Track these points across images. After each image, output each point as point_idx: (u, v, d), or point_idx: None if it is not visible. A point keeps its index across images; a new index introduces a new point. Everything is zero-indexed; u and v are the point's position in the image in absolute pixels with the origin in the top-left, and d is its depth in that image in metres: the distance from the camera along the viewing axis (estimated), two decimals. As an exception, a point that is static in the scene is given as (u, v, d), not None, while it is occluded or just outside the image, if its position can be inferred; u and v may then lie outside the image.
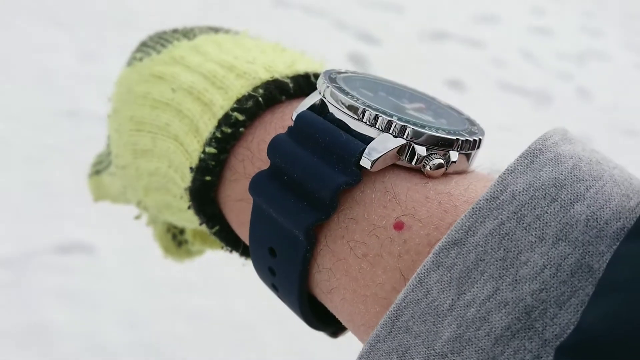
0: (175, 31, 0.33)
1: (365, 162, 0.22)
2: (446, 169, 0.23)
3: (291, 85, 0.28)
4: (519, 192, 0.19)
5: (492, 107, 1.88)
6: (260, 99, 0.27)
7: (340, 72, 0.27)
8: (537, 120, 1.87)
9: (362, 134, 0.23)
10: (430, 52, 2.13)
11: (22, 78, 1.42)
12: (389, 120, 0.23)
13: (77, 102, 1.35)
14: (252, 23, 1.91)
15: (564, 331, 0.17)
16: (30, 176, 1.13)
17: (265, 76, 0.28)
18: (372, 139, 0.23)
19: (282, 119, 0.27)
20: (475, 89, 1.95)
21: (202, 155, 0.27)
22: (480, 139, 0.24)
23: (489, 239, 0.19)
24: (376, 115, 0.23)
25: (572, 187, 0.19)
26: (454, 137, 0.23)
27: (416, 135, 0.23)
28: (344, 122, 0.24)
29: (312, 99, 0.25)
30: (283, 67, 0.28)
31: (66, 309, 0.91)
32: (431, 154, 0.23)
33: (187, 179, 0.28)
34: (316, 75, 0.28)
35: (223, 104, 0.27)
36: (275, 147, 0.24)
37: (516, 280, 0.18)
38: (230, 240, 0.29)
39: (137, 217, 0.35)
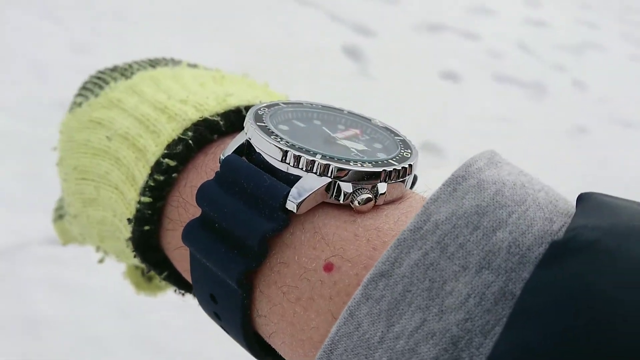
0: (113, 69, 0.33)
1: (290, 206, 0.22)
2: (375, 201, 0.23)
3: (222, 122, 0.27)
4: (442, 221, 0.19)
5: (487, 99, 1.88)
6: (190, 141, 0.26)
7: (270, 106, 0.26)
8: (533, 111, 1.87)
9: (288, 175, 0.23)
10: (425, 44, 2.13)
11: (14, 70, 1.41)
12: (311, 160, 0.22)
13: (70, 93, 1.34)
14: (247, 16, 1.90)
15: None
16: (21, 167, 1.13)
17: (195, 116, 0.27)
18: (298, 178, 0.22)
19: (214, 160, 0.26)
20: (470, 81, 1.94)
21: (138, 205, 0.27)
22: (410, 165, 0.24)
23: (414, 270, 0.19)
24: (298, 155, 0.23)
25: (494, 213, 0.19)
26: (380, 169, 0.23)
27: (340, 171, 0.22)
28: (270, 164, 0.23)
29: (239, 139, 0.25)
30: (215, 104, 0.28)
31: (58, 300, 0.90)
32: (358, 188, 0.22)
33: (128, 228, 0.28)
34: (248, 108, 0.28)
35: (155, 150, 0.27)
36: (203, 195, 0.24)
37: (442, 310, 0.18)
38: (181, 283, 0.29)
39: (101, 261, 0.35)
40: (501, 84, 1.99)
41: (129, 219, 0.27)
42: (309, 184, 0.22)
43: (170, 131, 0.27)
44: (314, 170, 0.22)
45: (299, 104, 0.28)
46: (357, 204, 0.22)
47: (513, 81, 2.01)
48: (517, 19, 2.53)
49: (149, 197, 0.26)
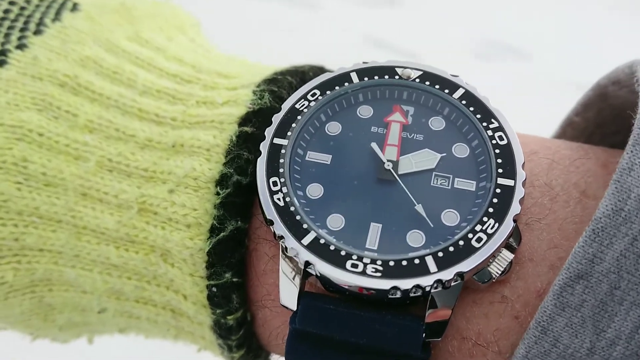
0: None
1: (433, 342, 0.18)
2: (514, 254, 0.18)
3: (240, 224, 0.21)
4: None
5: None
6: (233, 279, 0.21)
7: (273, 166, 0.20)
8: None
9: (397, 300, 0.18)
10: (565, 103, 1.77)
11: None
12: (435, 281, 0.17)
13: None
14: (324, 55, 1.66)
15: None
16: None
17: (201, 242, 0.21)
18: (417, 300, 0.18)
19: (269, 292, 0.21)
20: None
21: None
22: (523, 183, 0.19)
23: (622, 262, 0.16)
24: (415, 286, 0.17)
25: None
26: (512, 223, 0.18)
27: (473, 271, 0.18)
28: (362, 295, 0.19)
29: (291, 282, 0.19)
30: (208, 205, 0.21)
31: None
32: (494, 262, 0.18)
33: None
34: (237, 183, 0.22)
35: (195, 311, 0.21)
36: None
37: None
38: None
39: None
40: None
41: None
42: (444, 307, 0.18)
43: (189, 278, 0.21)
44: (440, 288, 0.18)
45: (292, 116, 0.22)
46: (499, 276, 0.18)
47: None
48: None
49: (241, 351, 0.23)
